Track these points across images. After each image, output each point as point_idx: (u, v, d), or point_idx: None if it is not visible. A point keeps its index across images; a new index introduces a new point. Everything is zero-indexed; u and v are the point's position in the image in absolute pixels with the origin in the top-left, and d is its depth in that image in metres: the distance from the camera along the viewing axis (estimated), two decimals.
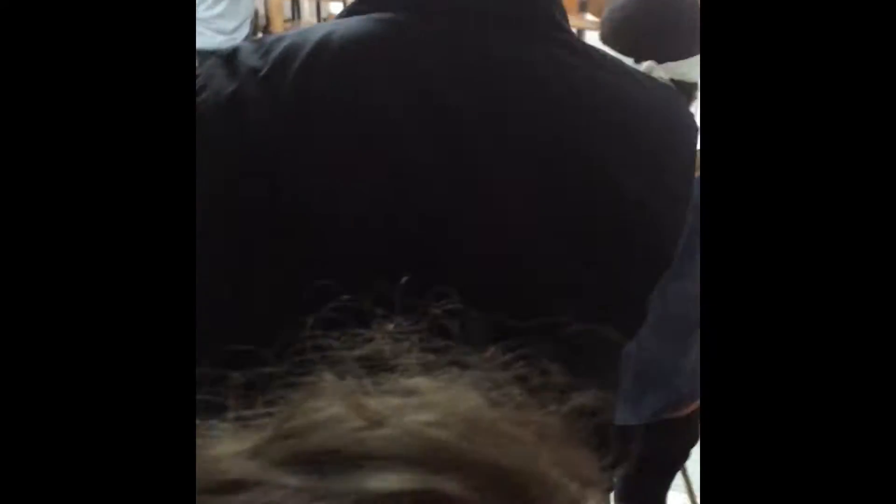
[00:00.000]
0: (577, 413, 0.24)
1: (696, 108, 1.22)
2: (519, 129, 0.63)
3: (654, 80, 0.72)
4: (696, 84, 1.20)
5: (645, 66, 1.14)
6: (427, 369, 0.25)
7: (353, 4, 0.68)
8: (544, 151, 0.63)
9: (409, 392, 0.24)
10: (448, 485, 0.20)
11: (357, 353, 0.26)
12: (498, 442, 0.22)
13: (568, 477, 0.22)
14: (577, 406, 0.25)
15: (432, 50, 0.63)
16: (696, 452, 1.49)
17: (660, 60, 1.14)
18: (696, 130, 0.71)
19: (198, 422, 0.26)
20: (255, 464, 0.22)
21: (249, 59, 0.61)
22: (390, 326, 0.27)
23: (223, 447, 0.23)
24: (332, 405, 0.23)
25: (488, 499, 0.20)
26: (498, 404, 0.23)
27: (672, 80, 1.14)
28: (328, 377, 0.25)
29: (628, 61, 1.15)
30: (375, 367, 0.25)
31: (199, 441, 0.24)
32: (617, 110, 0.66)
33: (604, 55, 0.73)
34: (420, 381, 0.24)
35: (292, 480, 0.21)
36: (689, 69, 1.16)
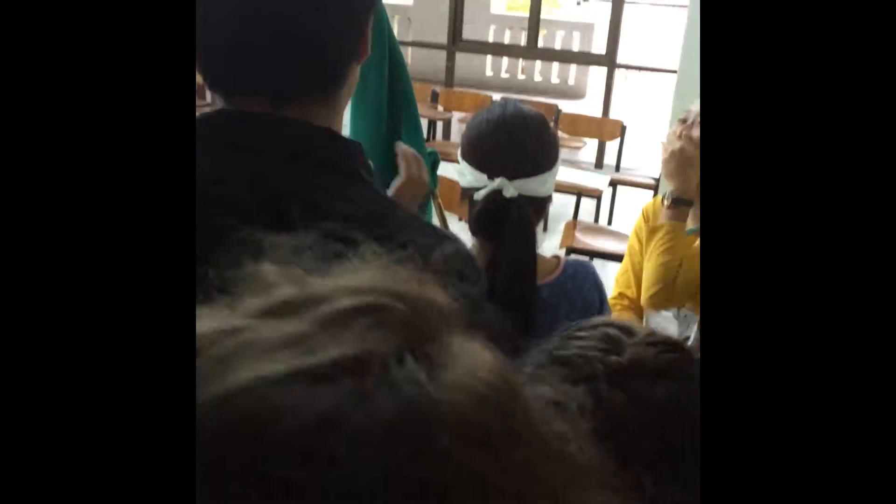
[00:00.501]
0: (443, 264, 0.37)
1: (549, 232, 1.29)
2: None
3: (436, 228, 0.78)
4: (548, 198, 1.28)
5: (497, 182, 1.20)
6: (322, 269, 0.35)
7: None
8: None
9: (331, 274, 0.34)
10: (384, 301, 0.31)
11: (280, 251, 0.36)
12: (404, 284, 0.33)
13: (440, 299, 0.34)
14: (439, 260, 0.38)
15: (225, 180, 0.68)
16: None
17: (510, 177, 1.20)
18: (478, 272, 0.76)
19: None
20: (237, 318, 0.31)
21: None
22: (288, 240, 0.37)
23: (207, 320, 0.31)
24: (276, 282, 0.33)
25: (404, 309, 0.31)
26: (382, 268, 0.35)
27: (522, 195, 1.21)
28: (268, 267, 0.34)
29: (482, 176, 1.22)
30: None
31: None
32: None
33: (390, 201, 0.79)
34: (337, 270, 0.34)
35: (270, 321, 0.30)
36: (539, 186, 1.23)
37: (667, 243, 1.54)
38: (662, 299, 1.55)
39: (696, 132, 1.56)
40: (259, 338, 0.29)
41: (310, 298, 0.31)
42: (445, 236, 0.74)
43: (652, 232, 1.59)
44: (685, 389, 0.59)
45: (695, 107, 1.61)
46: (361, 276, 0.33)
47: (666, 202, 1.58)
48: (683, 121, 1.61)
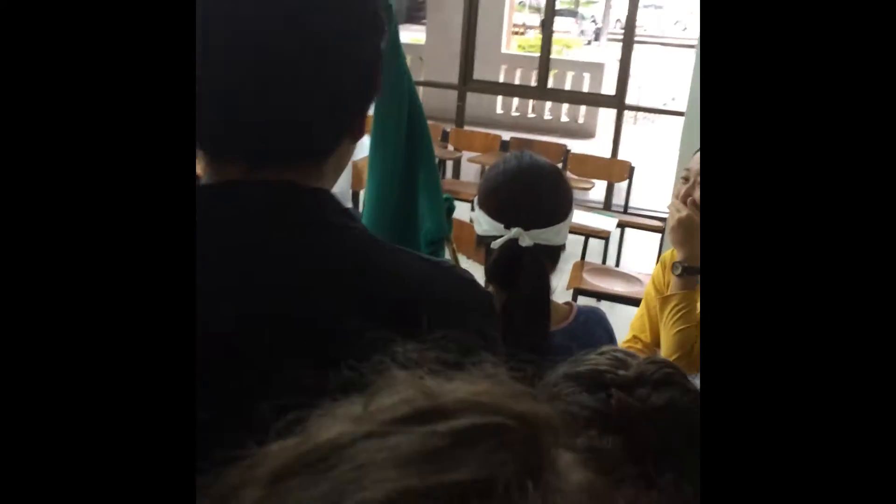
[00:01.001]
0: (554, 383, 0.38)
1: (557, 271, 1.33)
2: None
3: (436, 261, 0.79)
4: (562, 246, 1.31)
5: (513, 231, 1.24)
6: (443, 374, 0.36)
7: None
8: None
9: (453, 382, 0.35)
10: (507, 422, 0.32)
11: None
12: (522, 402, 0.33)
13: (552, 419, 0.34)
14: (552, 381, 0.38)
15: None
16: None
17: (525, 227, 1.24)
18: (482, 304, 0.78)
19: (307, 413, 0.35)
20: (373, 422, 0.32)
21: None
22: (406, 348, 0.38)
23: (336, 423, 0.33)
24: (406, 389, 0.34)
25: (524, 431, 0.32)
26: (500, 382, 0.36)
27: (538, 244, 1.24)
28: (398, 372, 0.35)
29: (499, 226, 1.25)
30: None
31: (315, 426, 0.33)
32: (373, 276, 0.70)
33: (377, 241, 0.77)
34: (459, 378, 0.35)
35: (400, 428, 0.31)
36: (554, 235, 1.26)
37: (680, 312, 1.52)
38: (684, 366, 1.52)
39: (699, 193, 1.52)
40: (397, 445, 0.31)
41: (439, 410, 0.32)
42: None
43: (664, 302, 1.57)
44: (682, 396, 0.72)
45: (695, 163, 1.58)
46: (483, 390, 0.34)
47: (676, 272, 1.54)
48: (685, 179, 1.58)
